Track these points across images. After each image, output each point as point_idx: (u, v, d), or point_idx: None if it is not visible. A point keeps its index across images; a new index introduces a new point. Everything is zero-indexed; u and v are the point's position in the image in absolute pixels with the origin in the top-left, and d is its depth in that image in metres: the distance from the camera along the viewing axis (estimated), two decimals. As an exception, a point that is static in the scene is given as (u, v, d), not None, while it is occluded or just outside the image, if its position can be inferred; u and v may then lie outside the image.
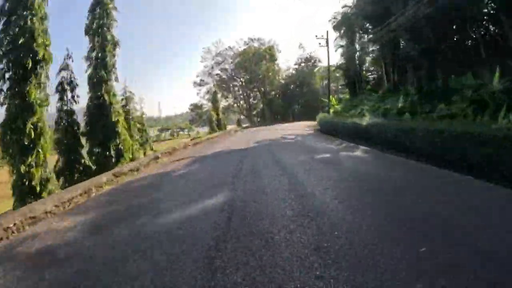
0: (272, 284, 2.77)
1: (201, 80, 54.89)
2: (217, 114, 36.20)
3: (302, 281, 2.77)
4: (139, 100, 28.79)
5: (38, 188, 7.99)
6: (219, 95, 52.87)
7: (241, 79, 55.61)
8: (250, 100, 57.32)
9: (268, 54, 53.20)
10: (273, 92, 57.25)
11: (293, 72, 62.20)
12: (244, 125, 49.50)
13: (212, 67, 55.31)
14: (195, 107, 53.36)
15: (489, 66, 11.86)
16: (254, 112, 57.13)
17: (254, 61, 51.45)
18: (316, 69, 63.34)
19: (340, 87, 52.41)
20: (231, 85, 56.31)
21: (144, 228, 4.68)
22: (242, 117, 58.05)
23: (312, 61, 63.12)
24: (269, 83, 54.07)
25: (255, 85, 52.57)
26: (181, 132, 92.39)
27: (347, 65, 31.21)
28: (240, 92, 56.76)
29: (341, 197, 5.16)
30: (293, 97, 61.18)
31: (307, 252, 3.29)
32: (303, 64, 62.96)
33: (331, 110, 30.78)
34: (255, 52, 53.15)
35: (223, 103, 56.10)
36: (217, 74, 55.40)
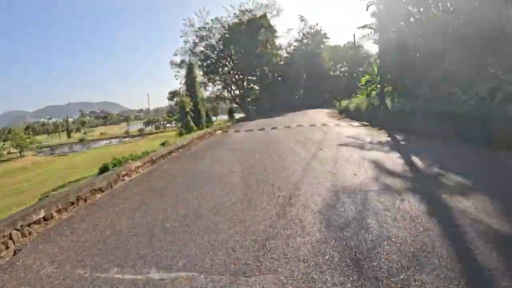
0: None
1: (181, 60, 43.41)
2: (195, 103, 25.32)
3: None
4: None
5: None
6: (199, 73, 41.72)
7: (232, 57, 44.26)
8: (244, 84, 46.18)
9: (265, 23, 42.00)
10: (271, 75, 46.31)
11: (293, 49, 51.32)
12: (236, 117, 38.90)
13: (196, 44, 43.71)
14: (174, 95, 42.21)
15: None
16: (249, 99, 46.24)
17: (248, 33, 40.12)
18: (324, 44, 52.51)
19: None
20: (220, 65, 44.95)
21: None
22: (234, 105, 47.06)
23: (318, 36, 52.20)
24: (267, 63, 43.00)
25: (249, 65, 41.43)
26: (168, 125, 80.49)
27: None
28: (232, 74, 45.47)
29: None
30: (296, 80, 50.53)
31: None
32: (305, 41, 52.00)
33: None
34: (249, 21, 41.78)
35: (210, 89, 45.08)
36: (201, 52, 43.86)
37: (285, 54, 48.70)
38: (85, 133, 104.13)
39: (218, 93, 45.37)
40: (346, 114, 24.70)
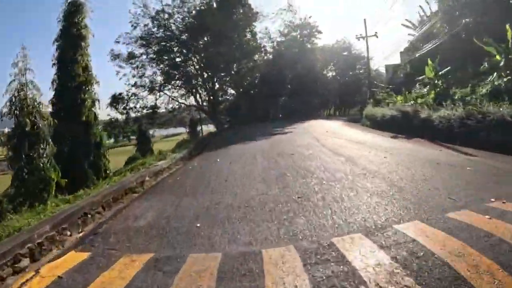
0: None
1: (129, 53, 31.99)
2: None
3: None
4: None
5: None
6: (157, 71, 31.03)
7: (200, 52, 33.30)
8: (216, 87, 35.27)
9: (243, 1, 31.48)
10: (251, 75, 35.90)
11: (277, 45, 41.42)
12: (198, 134, 28.14)
13: (151, 33, 32.42)
14: (116, 100, 30.71)
15: None
16: (222, 107, 35.56)
17: (221, 15, 29.25)
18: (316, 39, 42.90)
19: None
20: (184, 62, 33.90)
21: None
22: (202, 115, 36.05)
23: (308, 29, 42.52)
24: (246, 57, 32.49)
25: (222, 59, 30.74)
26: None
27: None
28: (198, 73, 34.35)
29: None
30: (280, 83, 40.61)
31: None
32: (294, 33, 42.12)
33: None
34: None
35: (168, 93, 33.74)
36: (158, 38, 32.39)
37: (268, 48, 38.40)
38: None
39: (179, 99, 33.92)
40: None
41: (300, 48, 42.00)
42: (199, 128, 36.94)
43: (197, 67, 33.18)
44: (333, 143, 11.09)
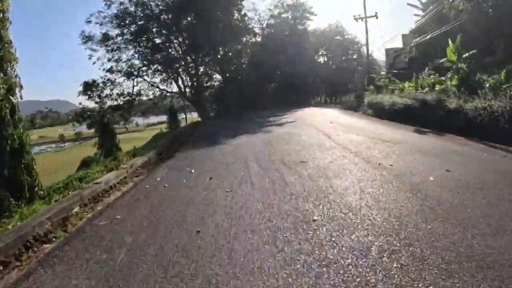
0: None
1: (103, 34, 28.36)
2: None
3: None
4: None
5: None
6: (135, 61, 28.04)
7: (183, 33, 29.90)
8: (200, 72, 32.06)
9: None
10: (238, 59, 32.93)
11: (267, 27, 38.35)
12: (179, 124, 25.30)
13: (128, 12, 28.74)
14: (88, 87, 27.29)
15: None
16: (207, 93, 32.62)
17: None
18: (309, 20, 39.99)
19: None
20: (165, 45, 30.49)
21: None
22: (185, 103, 32.88)
23: (301, 10, 39.49)
24: (233, 39, 29.36)
25: (208, 40, 27.59)
26: (116, 126, 64.57)
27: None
28: (181, 56, 31.00)
29: None
30: (270, 68, 37.77)
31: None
32: (284, 15, 39.00)
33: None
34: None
35: (147, 79, 30.38)
36: (136, 18, 28.82)
37: (257, 30, 35.35)
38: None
39: (159, 85, 30.52)
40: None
41: (291, 31, 39.17)
42: (182, 116, 33.93)
43: (179, 49, 29.84)
44: (352, 142, 8.38)
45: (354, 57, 55.38)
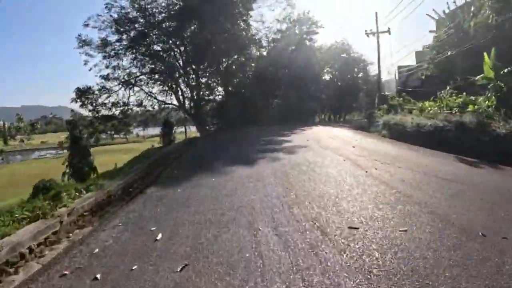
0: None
1: (102, 39, 27.02)
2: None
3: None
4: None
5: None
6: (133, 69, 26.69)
7: (185, 42, 28.55)
8: (201, 84, 30.46)
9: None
10: (242, 72, 31.54)
11: (273, 41, 37.16)
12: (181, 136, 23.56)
13: (129, 18, 27.52)
14: (82, 94, 25.71)
15: None
16: (208, 107, 31.02)
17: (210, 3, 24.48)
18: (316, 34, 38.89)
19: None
20: (166, 55, 29.06)
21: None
22: (184, 115, 31.10)
23: (308, 24, 38.45)
24: (239, 52, 27.96)
25: (212, 52, 26.20)
26: (116, 135, 62.67)
27: None
28: (181, 66, 29.48)
29: None
30: (274, 83, 36.39)
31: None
32: (292, 30, 37.90)
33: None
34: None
35: (145, 89, 28.76)
36: (136, 24, 27.42)
37: (264, 43, 34.14)
38: (22, 140, 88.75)
39: (158, 96, 28.89)
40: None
41: (297, 46, 38.03)
42: (181, 129, 32.19)
43: (180, 59, 28.34)
44: (404, 181, 6.33)
45: (360, 75, 54.38)
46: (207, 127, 34.69)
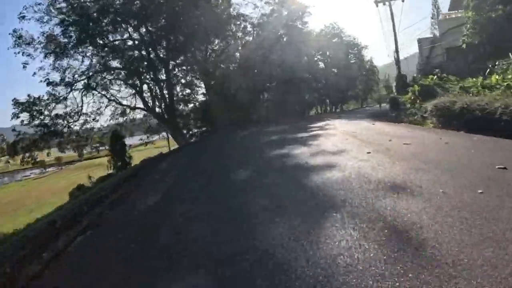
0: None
1: (49, 37, 20.96)
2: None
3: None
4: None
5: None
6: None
7: (150, 28, 22.33)
8: (173, 80, 24.29)
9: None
10: (227, 63, 26.09)
11: (258, 26, 31.70)
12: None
13: (75, 3, 21.30)
14: (24, 108, 19.72)
15: None
16: (186, 110, 25.40)
17: None
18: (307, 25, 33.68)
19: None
20: (124, 40, 22.78)
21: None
22: (151, 120, 24.50)
23: (296, 4, 33.08)
24: (216, 31, 22.06)
25: (186, 38, 20.34)
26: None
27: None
28: (150, 61, 23.25)
29: None
30: (265, 76, 31.06)
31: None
32: (278, 12, 32.44)
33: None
34: None
35: (103, 92, 22.53)
36: (84, 9, 21.09)
37: (248, 27, 28.75)
38: (8, 161, 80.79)
39: (123, 101, 22.67)
40: None
41: (287, 30, 32.80)
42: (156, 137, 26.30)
43: (144, 49, 22.14)
44: None
45: (353, 61, 49.64)
46: (189, 133, 29.17)
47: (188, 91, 27.53)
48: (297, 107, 36.44)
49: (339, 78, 44.18)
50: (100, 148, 49.51)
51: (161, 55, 21.13)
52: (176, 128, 20.79)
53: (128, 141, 30.29)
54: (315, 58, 44.00)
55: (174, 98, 24.22)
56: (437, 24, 20.54)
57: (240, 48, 28.67)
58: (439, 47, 19.96)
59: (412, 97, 16.28)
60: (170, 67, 21.33)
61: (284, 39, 33.72)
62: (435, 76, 16.59)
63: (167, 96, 20.94)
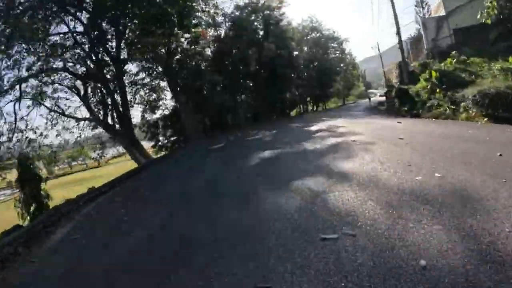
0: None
1: None
2: None
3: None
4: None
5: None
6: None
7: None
8: (126, 82, 19.37)
9: None
10: (196, 60, 21.98)
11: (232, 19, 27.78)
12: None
13: None
14: None
15: None
16: (155, 118, 21.11)
17: None
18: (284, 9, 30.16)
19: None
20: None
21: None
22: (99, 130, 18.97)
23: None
24: (181, 27, 17.89)
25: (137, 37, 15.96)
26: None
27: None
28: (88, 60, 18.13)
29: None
30: (242, 74, 27.16)
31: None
32: (253, 5, 28.71)
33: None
34: None
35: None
36: None
37: (220, 19, 24.85)
38: None
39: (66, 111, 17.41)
40: None
41: (264, 22, 29.12)
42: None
43: (87, 42, 17.13)
44: None
45: (332, 56, 46.58)
46: (158, 145, 24.87)
47: (154, 96, 23.21)
48: (278, 107, 32.86)
49: (320, 73, 41.04)
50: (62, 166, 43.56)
51: (112, 52, 16.62)
52: (131, 143, 16.07)
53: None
54: (295, 53, 40.31)
55: (135, 105, 19.85)
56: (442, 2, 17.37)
57: (211, 42, 24.60)
58: (446, 27, 16.87)
59: (429, 86, 12.99)
60: (121, 64, 16.73)
61: (261, 33, 30.09)
62: (453, 60, 13.37)
63: (120, 102, 16.38)
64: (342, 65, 47.67)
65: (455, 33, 17.03)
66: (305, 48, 42.35)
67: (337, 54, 46.73)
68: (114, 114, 15.73)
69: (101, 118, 16.00)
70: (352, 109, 26.70)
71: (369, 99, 39.61)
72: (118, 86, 15.94)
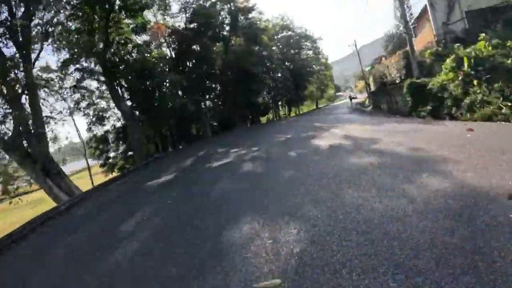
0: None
1: None
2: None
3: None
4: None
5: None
6: None
7: None
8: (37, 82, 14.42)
9: None
10: (149, 67, 17.38)
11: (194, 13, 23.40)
12: None
13: None
14: None
15: None
16: (104, 131, 16.32)
17: None
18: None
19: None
20: None
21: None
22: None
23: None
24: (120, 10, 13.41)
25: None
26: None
27: None
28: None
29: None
30: (205, 76, 22.78)
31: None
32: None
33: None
34: None
35: None
36: None
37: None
38: None
39: None
40: None
41: (231, 14, 25.04)
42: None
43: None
44: None
45: (308, 55, 43.46)
46: (108, 162, 20.47)
47: (103, 104, 18.27)
48: (250, 112, 28.83)
49: (293, 73, 37.69)
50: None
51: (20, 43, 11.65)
52: (46, 170, 10.78)
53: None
54: (264, 53, 36.26)
55: (79, 116, 14.89)
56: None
57: (166, 35, 20.05)
58: (458, 10, 13.84)
59: (460, 77, 9.55)
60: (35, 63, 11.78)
61: (227, 28, 26.05)
62: (486, 44, 10.08)
63: (29, 112, 11.28)
64: (314, 65, 44.79)
65: (468, 15, 14.03)
66: (275, 48, 38.75)
67: (310, 54, 43.73)
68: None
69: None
70: (334, 112, 23.25)
71: (351, 99, 37.01)
72: (26, 90, 10.99)
